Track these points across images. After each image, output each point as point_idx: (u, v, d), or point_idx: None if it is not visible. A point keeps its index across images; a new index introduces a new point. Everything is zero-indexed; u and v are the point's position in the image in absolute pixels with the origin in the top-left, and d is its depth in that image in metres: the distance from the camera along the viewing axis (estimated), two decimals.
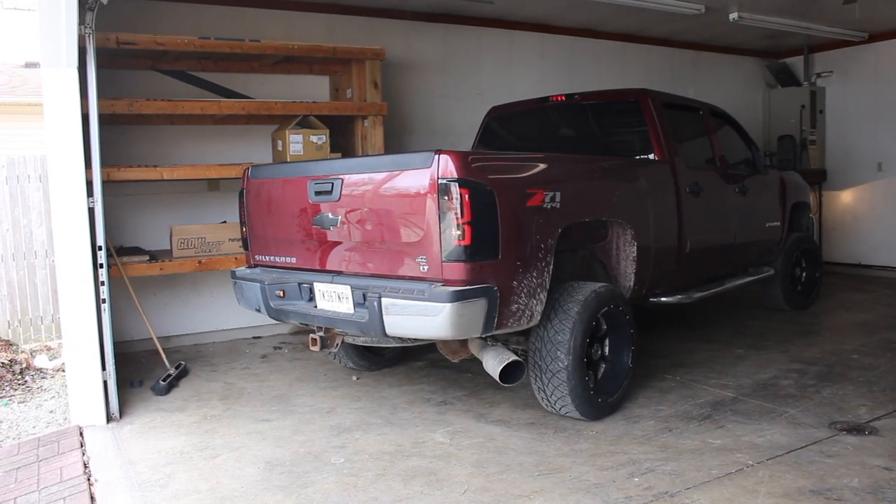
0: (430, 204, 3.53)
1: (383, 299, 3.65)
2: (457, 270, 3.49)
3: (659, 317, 6.63)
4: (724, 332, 6.25)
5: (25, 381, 5.78)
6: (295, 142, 5.89)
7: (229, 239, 5.62)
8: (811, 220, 7.46)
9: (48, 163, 4.36)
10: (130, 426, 4.32)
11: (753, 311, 6.98)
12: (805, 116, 9.56)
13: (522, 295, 3.71)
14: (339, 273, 4.11)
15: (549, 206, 3.84)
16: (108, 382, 4.42)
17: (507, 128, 6.09)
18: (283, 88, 6.53)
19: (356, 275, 4.01)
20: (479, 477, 3.44)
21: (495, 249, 3.58)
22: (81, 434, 4.24)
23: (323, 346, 4.32)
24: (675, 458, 3.58)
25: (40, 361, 6.23)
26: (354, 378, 5.16)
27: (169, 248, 5.67)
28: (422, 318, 3.53)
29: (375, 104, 6.25)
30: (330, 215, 4.06)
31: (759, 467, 3.45)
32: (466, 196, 3.45)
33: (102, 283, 4.43)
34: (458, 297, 3.44)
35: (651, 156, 5.03)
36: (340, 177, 4.01)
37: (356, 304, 3.94)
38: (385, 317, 3.67)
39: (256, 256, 4.70)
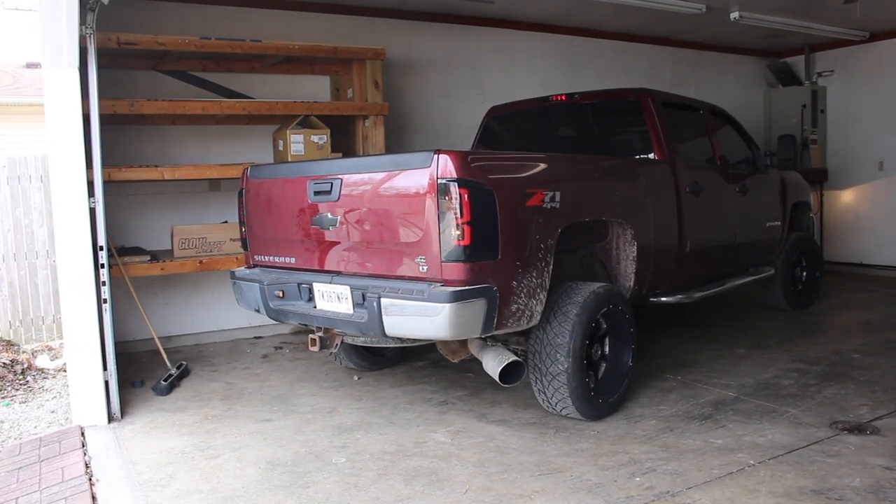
0: (430, 204, 3.52)
1: (382, 299, 3.65)
2: (456, 270, 3.49)
3: (660, 317, 6.63)
4: (726, 331, 6.25)
5: (27, 382, 5.78)
6: (296, 142, 5.89)
7: (230, 239, 5.62)
8: (812, 219, 7.45)
9: (49, 163, 4.37)
10: (132, 426, 4.32)
11: (755, 311, 6.98)
12: (806, 116, 9.56)
13: (522, 295, 3.71)
14: (339, 273, 4.11)
15: (548, 206, 3.83)
16: (110, 382, 4.42)
17: (507, 127, 6.08)
18: (284, 88, 6.54)
19: (355, 275, 4.01)
20: (481, 477, 3.44)
21: (495, 249, 3.57)
22: (83, 434, 4.24)
23: (322, 347, 4.32)
24: (676, 458, 3.58)
25: (42, 361, 6.23)
26: (355, 378, 5.16)
27: (170, 248, 5.67)
28: (421, 318, 3.52)
29: (376, 104, 6.25)
30: (329, 215, 4.05)
31: (760, 467, 3.45)
32: (466, 196, 3.45)
33: (104, 284, 4.44)
34: (457, 297, 3.43)
35: (651, 155, 5.02)
36: (339, 177, 4.01)
37: (355, 305, 3.93)
38: (384, 317, 3.67)
39: (256, 257, 4.70)
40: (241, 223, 4.79)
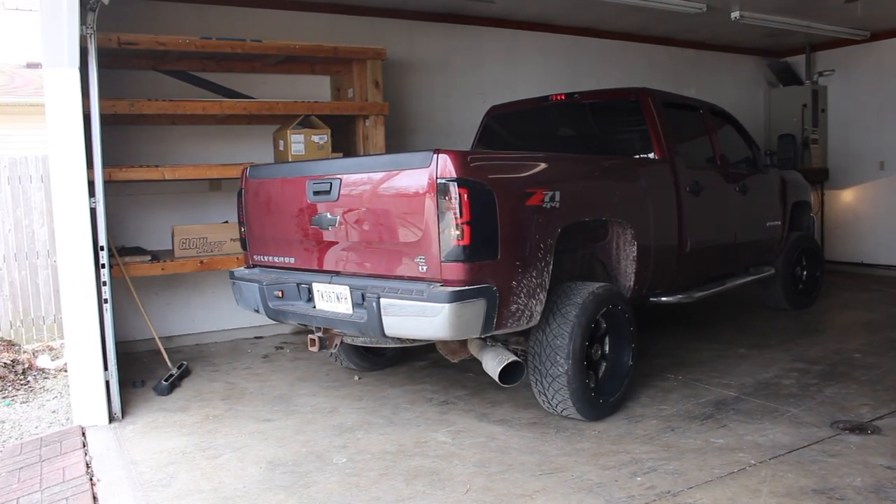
0: (429, 204, 3.51)
1: (382, 300, 3.64)
2: (456, 270, 3.48)
3: (661, 316, 6.63)
4: (726, 331, 6.24)
5: (28, 382, 5.79)
6: (296, 142, 5.89)
7: (231, 239, 5.62)
8: (812, 219, 7.45)
9: (50, 163, 4.37)
10: (133, 426, 4.32)
11: (755, 311, 6.98)
12: (807, 115, 9.55)
13: (522, 295, 3.70)
14: (338, 273, 4.10)
15: (548, 206, 3.83)
16: (111, 382, 4.42)
17: (507, 127, 6.08)
18: (284, 88, 6.53)
19: (355, 275, 4.00)
20: (482, 476, 3.44)
21: (494, 249, 3.57)
22: (84, 434, 4.24)
23: (322, 347, 4.31)
24: (677, 458, 3.57)
25: (42, 362, 6.24)
26: (356, 378, 5.16)
27: (171, 248, 5.67)
28: (420, 318, 3.51)
29: (377, 104, 6.25)
30: (328, 215, 4.05)
31: (761, 466, 3.45)
32: (465, 196, 3.44)
33: (104, 284, 4.44)
34: (456, 297, 3.43)
35: (651, 155, 5.02)
36: (339, 177, 4.00)
37: (355, 305, 3.93)
38: (384, 317, 3.66)
39: (255, 256, 4.69)
40: (241, 223, 4.79)
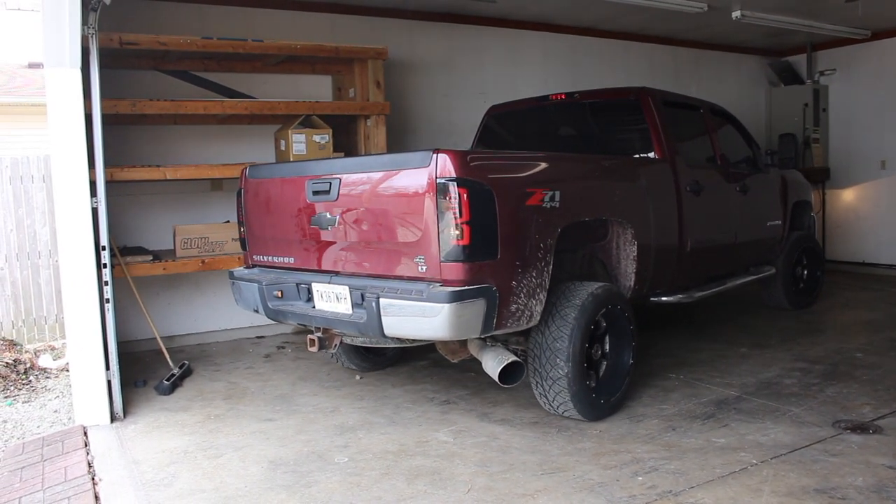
0: (429, 203, 3.51)
1: (381, 300, 3.63)
2: (455, 270, 3.47)
3: (662, 316, 6.63)
4: (728, 331, 6.24)
5: (30, 381, 5.79)
6: (298, 141, 5.89)
7: (232, 238, 5.62)
8: (813, 218, 7.44)
9: (52, 163, 4.38)
10: (134, 426, 4.33)
11: (756, 310, 6.97)
12: (808, 115, 9.54)
13: (522, 295, 3.70)
14: (337, 273, 4.10)
15: (548, 206, 3.82)
16: (112, 382, 4.43)
17: (507, 127, 6.07)
18: (285, 88, 6.54)
19: (354, 275, 3.99)
20: (483, 476, 3.44)
21: (494, 249, 3.56)
22: (86, 434, 4.25)
23: (321, 347, 4.31)
24: (678, 457, 3.58)
25: (44, 361, 6.24)
26: (357, 377, 5.16)
27: (172, 247, 5.68)
28: (420, 318, 3.51)
29: (378, 104, 6.26)
30: (328, 215, 4.04)
31: (762, 466, 3.45)
32: (465, 195, 3.43)
33: (106, 283, 4.44)
34: (456, 297, 3.42)
35: (651, 154, 5.02)
36: (338, 176, 4.00)
37: (354, 305, 3.92)
38: (383, 317, 3.65)
39: (255, 256, 4.69)
40: (240, 223, 4.79)
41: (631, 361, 4.31)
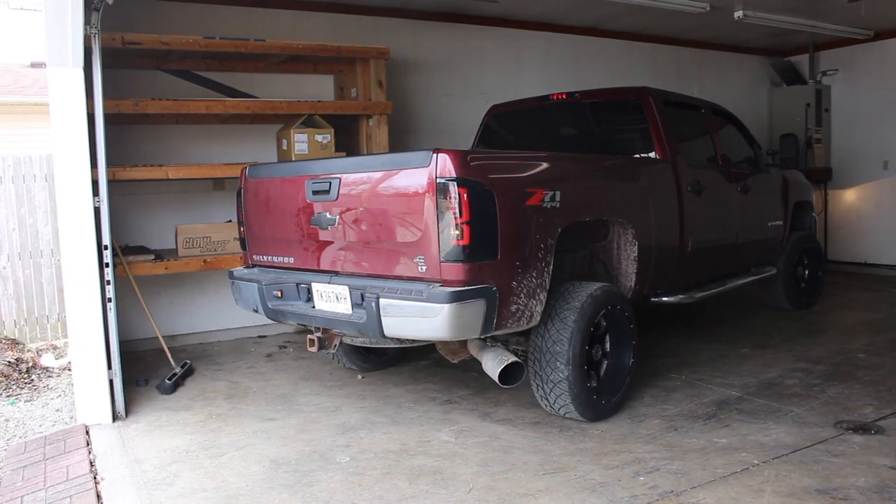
0: (429, 203, 3.50)
1: (381, 300, 3.63)
2: (455, 271, 3.46)
3: (663, 317, 6.63)
4: (729, 331, 6.24)
5: (32, 380, 5.80)
6: (300, 141, 5.89)
7: (234, 238, 5.62)
8: (814, 218, 7.44)
9: (54, 162, 4.38)
10: (136, 425, 4.33)
11: (757, 311, 6.97)
12: (810, 115, 9.53)
13: (522, 295, 3.69)
14: (337, 273, 4.09)
15: (548, 206, 3.81)
16: (114, 381, 4.43)
17: (507, 126, 6.07)
18: (287, 88, 6.54)
19: (354, 275, 3.98)
20: (485, 476, 3.45)
21: (494, 249, 3.55)
22: (87, 433, 4.25)
23: (321, 347, 4.31)
24: (680, 457, 3.57)
25: (46, 360, 6.25)
26: (359, 377, 5.16)
27: (174, 247, 5.68)
28: (420, 318, 3.50)
29: (380, 103, 6.26)
30: (328, 215, 4.04)
31: (764, 466, 3.44)
32: (465, 195, 3.42)
33: (108, 283, 4.45)
34: (456, 297, 3.41)
35: (652, 154, 5.01)
36: (338, 176, 3.99)
37: (354, 305, 3.92)
38: (383, 318, 3.64)
39: (254, 256, 4.69)
40: (240, 223, 4.79)
41: (632, 361, 4.31)
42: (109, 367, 4.42)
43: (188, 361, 5.46)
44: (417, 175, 3.56)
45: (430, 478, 3.45)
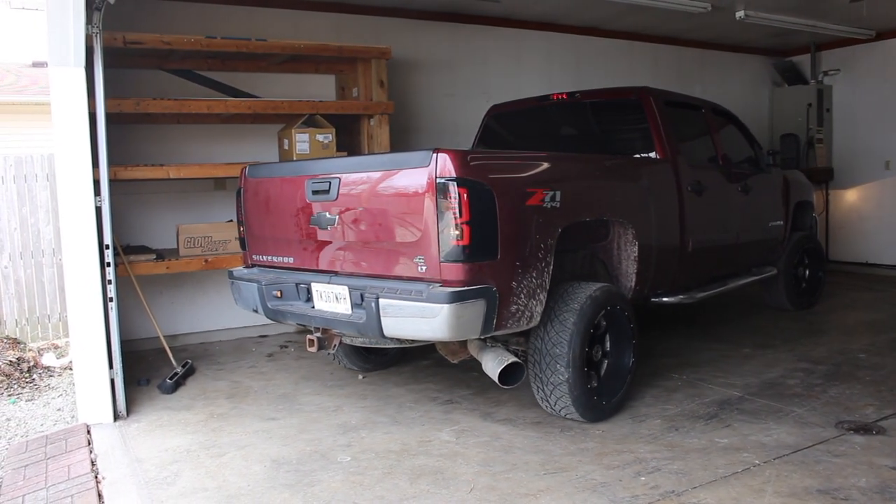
0: (429, 203, 3.49)
1: (381, 300, 3.62)
2: (455, 271, 3.46)
3: (664, 317, 6.62)
4: (730, 331, 6.24)
5: (33, 380, 5.81)
6: (301, 141, 5.89)
7: (235, 238, 5.61)
8: (815, 219, 7.43)
9: (55, 162, 4.38)
10: (137, 424, 4.34)
11: (759, 311, 6.97)
12: (812, 115, 9.53)
13: (522, 296, 3.69)
14: (337, 273, 4.08)
15: (548, 206, 3.81)
16: (116, 381, 4.44)
17: (508, 126, 6.06)
18: (289, 87, 6.54)
19: (354, 275, 3.98)
20: (486, 476, 3.45)
21: (494, 249, 3.54)
22: (89, 432, 4.26)
23: (320, 347, 4.31)
24: (681, 458, 3.57)
25: (48, 360, 6.26)
26: (360, 377, 5.17)
27: (175, 246, 5.69)
28: (420, 319, 3.50)
29: (381, 103, 6.26)
30: (327, 215, 4.03)
31: (765, 466, 3.44)
32: (465, 195, 3.42)
33: (109, 282, 4.45)
34: (456, 297, 3.40)
35: (653, 154, 5.01)
36: (338, 176, 3.98)
37: (354, 305, 3.91)
38: (383, 318, 3.64)
39: (254, 256, 4.68)
40: (240, 222, 4.78)
41: (632, 361, 4.30)
42: (111, 366, 4.42)
43: (189, 361, 5.46)
44: (417, 175, 3.56)
45: (431, 477, 3.45)
